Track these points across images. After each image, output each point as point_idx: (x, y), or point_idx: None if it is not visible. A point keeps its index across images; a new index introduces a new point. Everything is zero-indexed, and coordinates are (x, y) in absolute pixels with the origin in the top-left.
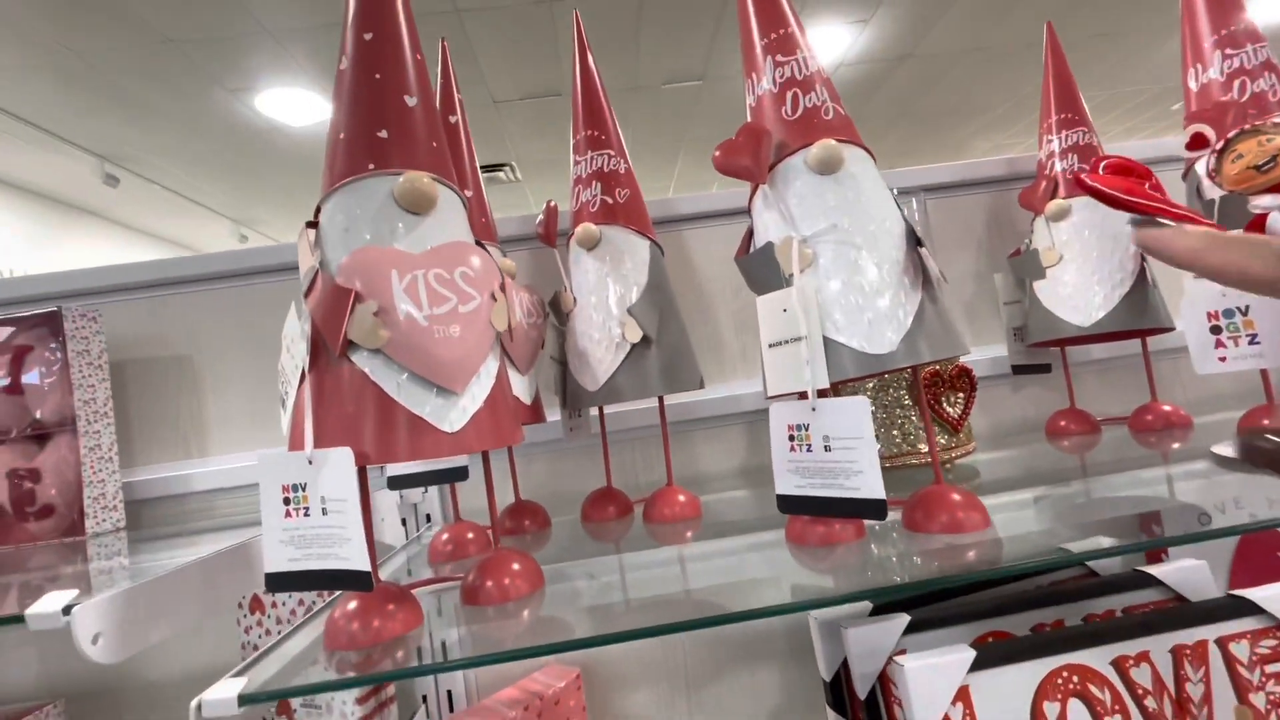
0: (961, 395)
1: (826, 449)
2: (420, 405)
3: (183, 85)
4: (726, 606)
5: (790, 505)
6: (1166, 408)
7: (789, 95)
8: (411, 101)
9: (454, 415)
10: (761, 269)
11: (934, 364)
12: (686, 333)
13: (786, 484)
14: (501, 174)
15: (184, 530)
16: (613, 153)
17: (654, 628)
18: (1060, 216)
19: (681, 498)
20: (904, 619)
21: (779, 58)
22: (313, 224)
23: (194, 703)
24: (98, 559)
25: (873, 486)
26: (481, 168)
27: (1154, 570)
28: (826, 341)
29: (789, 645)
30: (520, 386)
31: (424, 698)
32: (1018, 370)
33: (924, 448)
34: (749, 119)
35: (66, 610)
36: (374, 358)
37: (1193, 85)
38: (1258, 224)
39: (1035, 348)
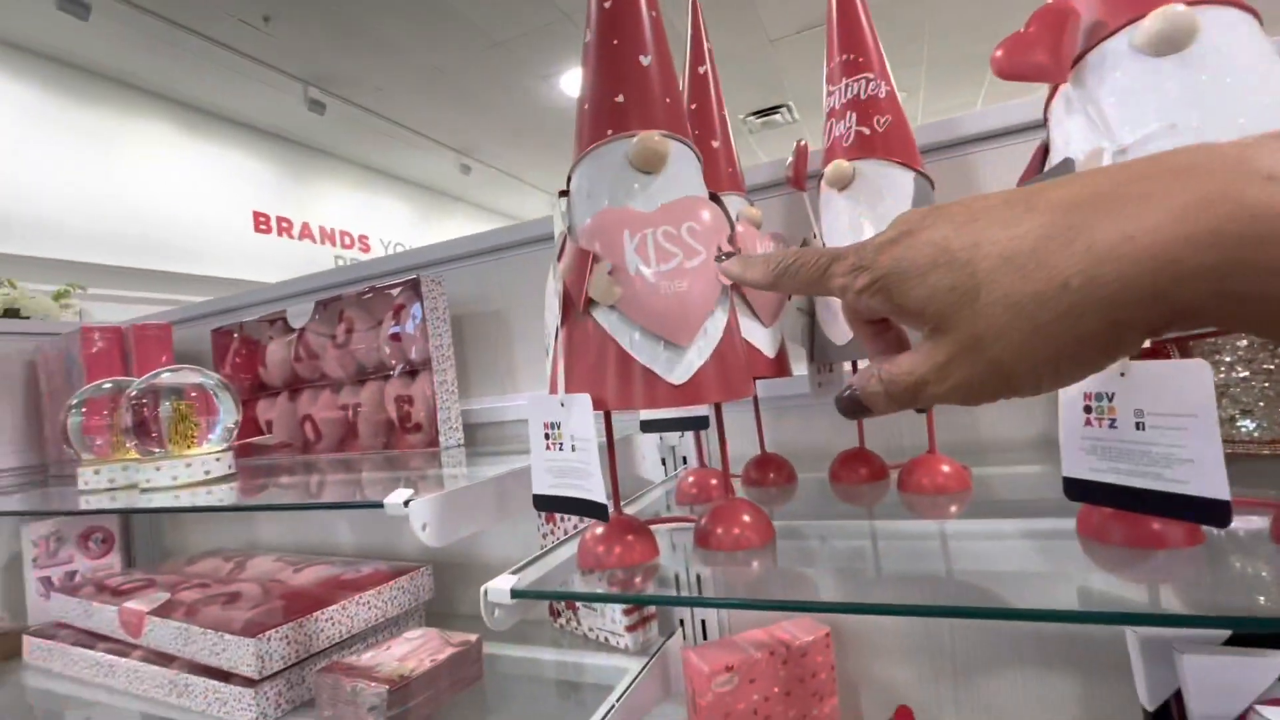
0: None
1: (1139, 426)
2: (650, 358)
3: (509, 80)
4: (1002, 598)
5: (1083, 492)
6: None
7: None
8: (646, 60)
9: (680, 369)
10: None
11: None
12: None
13: (1078, 465)
14: (778, 116)
15: (503, 450)
16: (872, 75)
17: (906, 606)
18: None
19: (946, 468)
20: None
21: None
22: (564, 192)
23: (482, 589)
24: (447, 465)
25: (1211, 480)
26: (757, 112)
27: None
28: None
29: (1093, 653)
30: (763, 338)
31: (680, 621)
32: None
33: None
34: None
35: (406, 503)
36: (611, 313)
37: None
38: None
39: None
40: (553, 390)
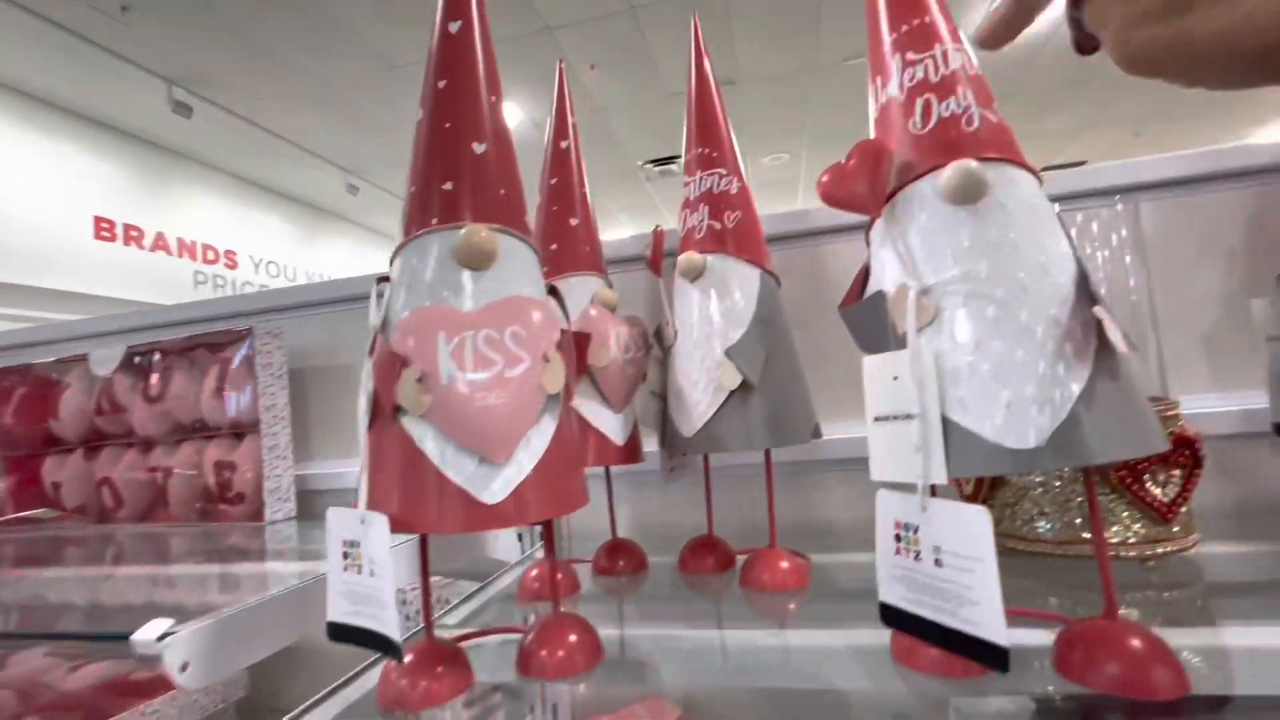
0: (1178, 473)
1: (938, 563)
2: (462, 474)
3: (406, 105)
4: None
5: (894, 619)
6: None
7: (919, 103)
8: (480, 148)
9: (495, 485)
10: (869, 324)
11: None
12: (800, 376)
13: (891, 592)
14: (674, 165)
15: None
16: (725, 172)
17: None
18: None
19: (784, 563)
20: None
21: (910, 55)
22: (385, 279)
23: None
24: (270, 543)
25: (991, 625)
26: (654, 161)
27: None
28: (947, 424)
29: None
30: (612, 425)
31: None
32: None
33: (1116, 534)
34: (871, 133)
35: (162, 638)
36: (421, 422)
37: None
38: None
39: None
40: (359, 502)
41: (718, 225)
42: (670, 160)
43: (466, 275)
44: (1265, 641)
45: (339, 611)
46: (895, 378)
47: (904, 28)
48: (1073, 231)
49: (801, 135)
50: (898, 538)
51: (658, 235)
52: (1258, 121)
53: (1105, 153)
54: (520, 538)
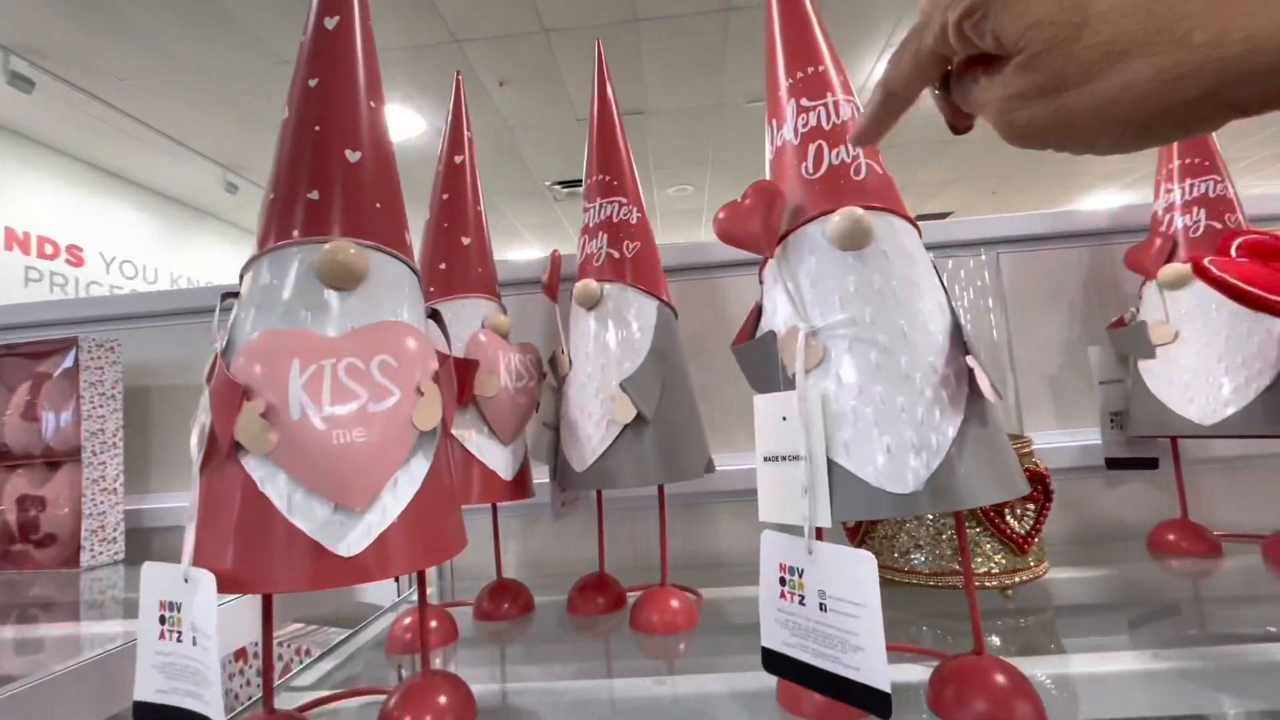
0: (1032, 507)
1: (822, 607)
2: (311, 523)
3: None
4: None
5: (776, 666)
6: None
7: (812, 148)
8: (354, 156)
9: (353, 536)
10: (760, 362)
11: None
12: (694, 409)
13: (774, 638)
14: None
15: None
16: (625, 200)
17: None
18: (1179, 284)
19: (675, 602)
20: None
21: (804, 101)
22: (232, 295)
23: None
24: (86, 594)
25: (874, 670)
26: (561, 183)
27: None
28: (832, 467)
29: None
30: (500, 459)
31: None
32: (1113, 464)
33: (982, 565)
34: (767, 173)
35: None
36: (265, 463)
37: None
38: None
39: (1138, 440)
40: (184, 556)
41: (616, 254)
42: (579, 183)
43: (330, 295)
44: (1110, 667)
45: (149, 689)
46: (784, 418)
47: (799, 75)
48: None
49: (705, 168)
50: (782, 580)
51: (554, 259)
52: (1087, 189)
53: (968, 205)
54: (396, 579)
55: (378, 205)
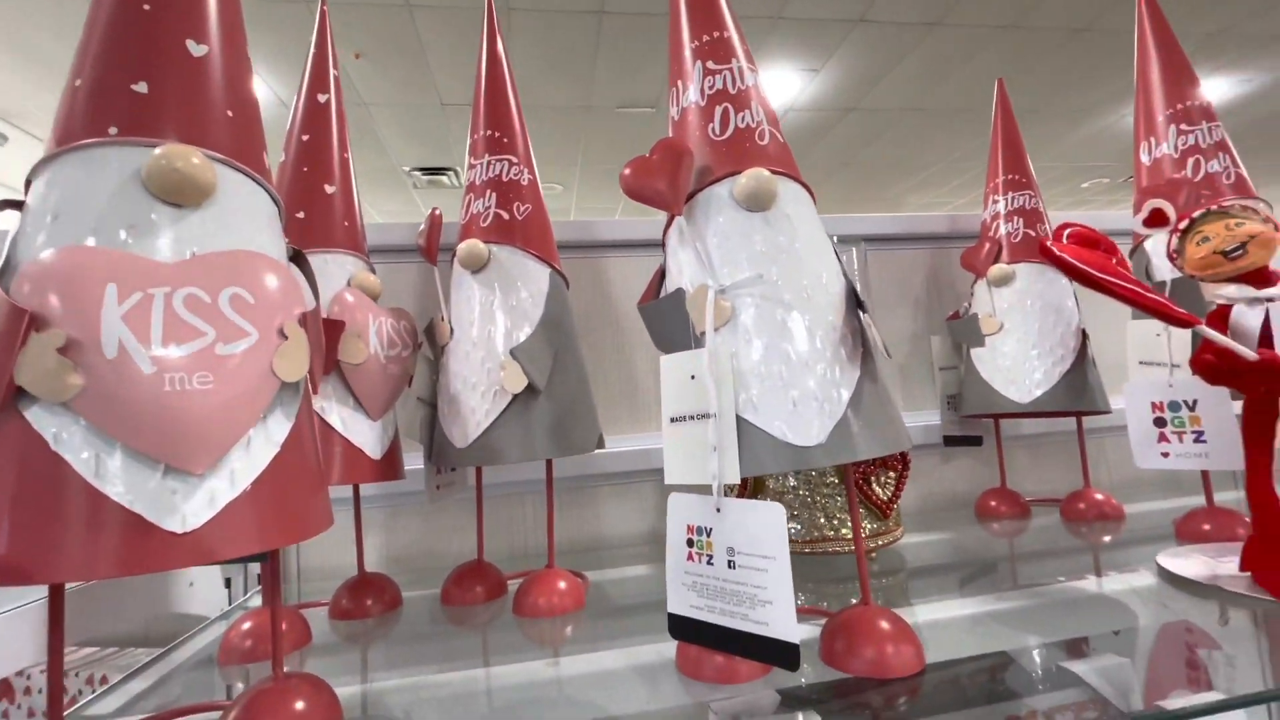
0: (893, 475)
1: (730, 564)
2: (130, 490)
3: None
4: None
5: (683, 630)
6: (1099, 496)
7: (719, 111)
8: (199, 50)
9: (191, 506)
10: (668, 321)
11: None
12: (586, 382)
13: (680, 602)
14: (445, 178)
15: None
16: (515, 160)
17: None
18: (1003, 282)
19: (562, 584)
20: None
21: (710, 64)
22: (13, 204)
23: None
24: None
25: (783, 623)
26: (422, 169)
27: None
28: (740, 423)
29: None
30: (368, 435)
31: None
32: (949, 441)
33: (848, 532)
34: (670, 134)
35: None
36: (60, 415)
37: (1145, 159)
38: (1219, 316)
39: (968, 419)
40: None
41: (506, 215)
42: (442, 171)
43: (163, 212)
44: (948, 614)
45: None
46: (693, 376)
47: (705, 38)
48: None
49: (575, 169)
50: (690, 543)
51: (434, 219)
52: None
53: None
54: (229, 583)
55: (229, 113)
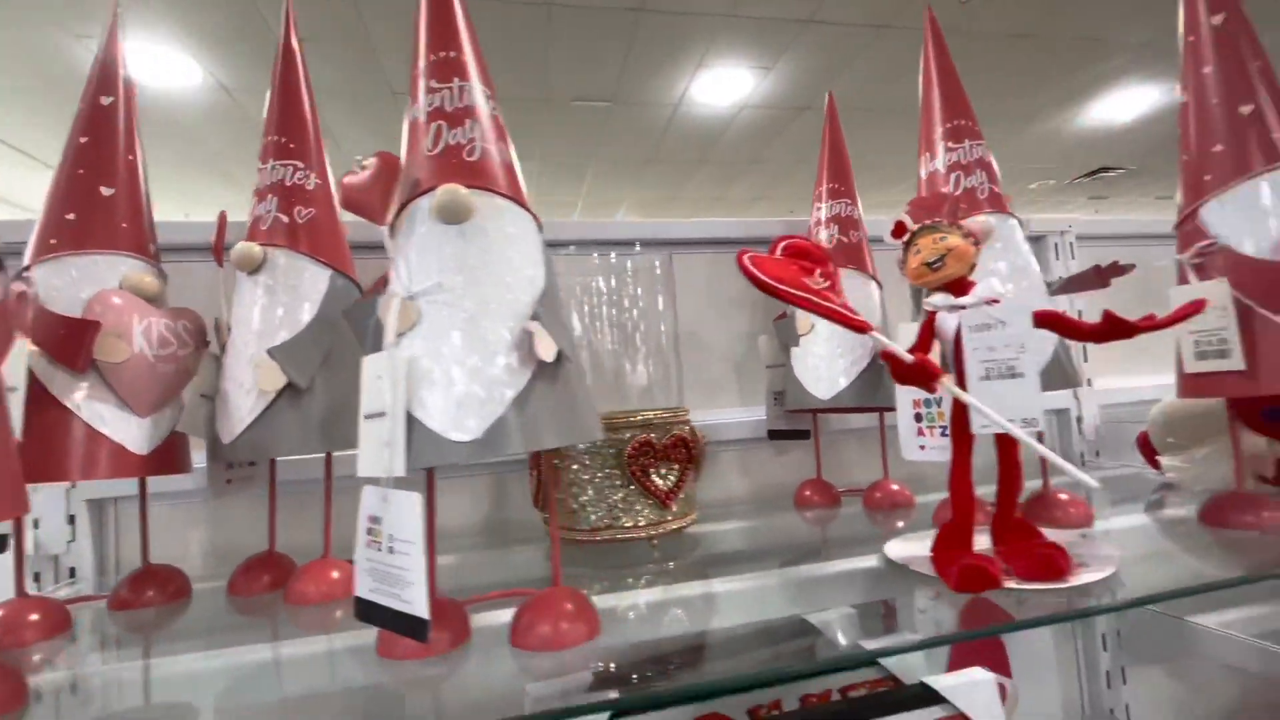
0: (676, 468)
1: (390, 550)
2: None
3: (26, 36)
4: None
5: (366, 612)
6: (895, 486)
7: (433, 127)
8: None
9: None
10: (362, 325)
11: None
12: None
13: (364, 586)
14: None
15: None
16: (301, 165)
17: None
18: None
19: (335, 573)
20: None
21: (433, 83)
22: None
23: None
24: None
25: (416, 603)
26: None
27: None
28: (412, 421)
29: None
30: (131, 431)
31: None
32: (774, 435)
33: (629, 522)
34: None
35: None
36: None
37: (923, 173)
38: (929, 321)
39: (792, 413)
40: None
41: (286, 219)
42: None
43: None
44: (732, 587)
45: None
46: (379, 377)
47: (433, 57)
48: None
49: (532, 161)
50: (370, 531)
51: (220, 220)
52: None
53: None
54: (37, 577)
55: None
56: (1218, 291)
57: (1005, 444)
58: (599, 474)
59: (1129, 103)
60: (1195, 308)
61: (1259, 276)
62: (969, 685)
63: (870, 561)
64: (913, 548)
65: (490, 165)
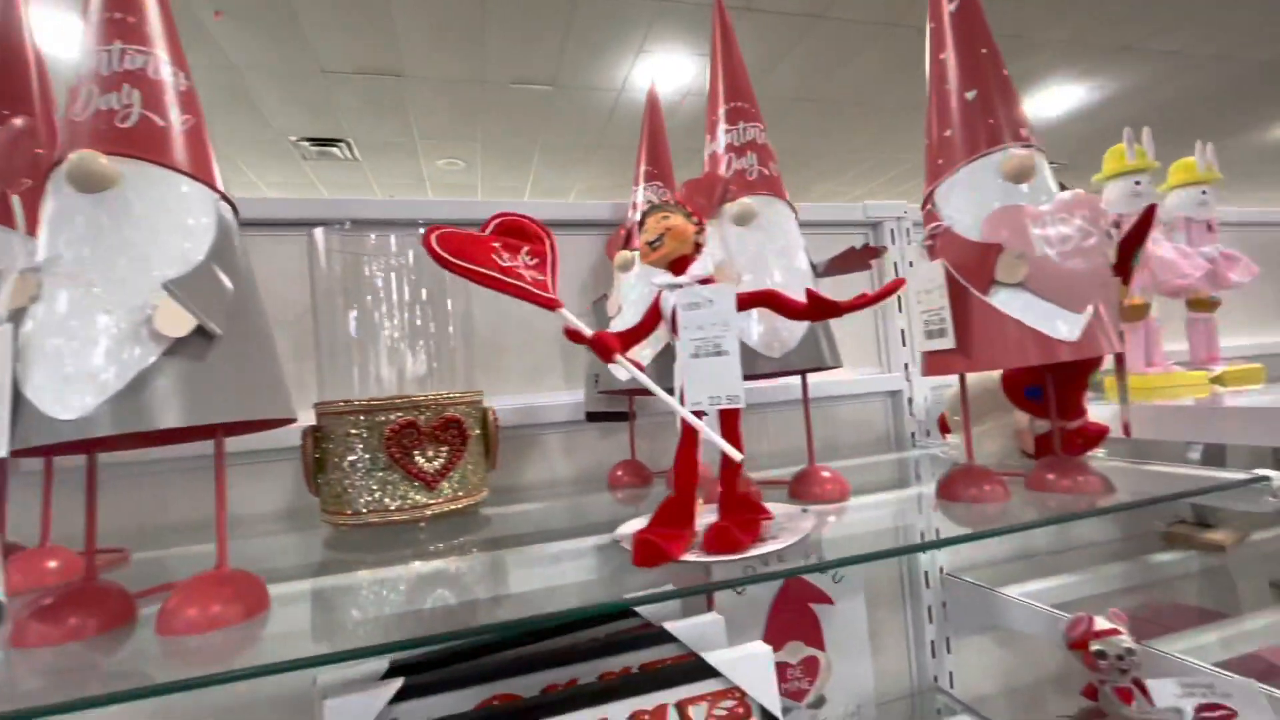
0: (445, 450)
1: None
2: None
3: None
4: None
5: None
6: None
7: (83, 91)
8: None
9: None
10: None
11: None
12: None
13: None
14: (336, 150)
15: None
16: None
17: None
18: (626, 267)
19: (54, 563)
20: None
21: (97, 44)
22: None
23: None
24: None
25: None
26: (311, 140)
27: (670, 627)
28: (20, 399)
29: None
30: None
31: None
32: (591, 417)
33: (393, 504)
34: None
35: None
36: None
37: (706, 155)
38: (656, 300)
39: (608, 395)
40: None
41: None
42: (333, 143)
43: None
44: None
45: None
46: None
47: (104, 16)
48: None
49: (475, 145)
50: None
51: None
52: None
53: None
54: None
55: None
56: (935, 272)
57: (727, 421)
58: (363, 457)
59: (1056, 99)
60: (895, 286)
61: (969, 256)
62: (745, 658)
63: (603, 539)
64: (635, 525)
65: (152, 133)
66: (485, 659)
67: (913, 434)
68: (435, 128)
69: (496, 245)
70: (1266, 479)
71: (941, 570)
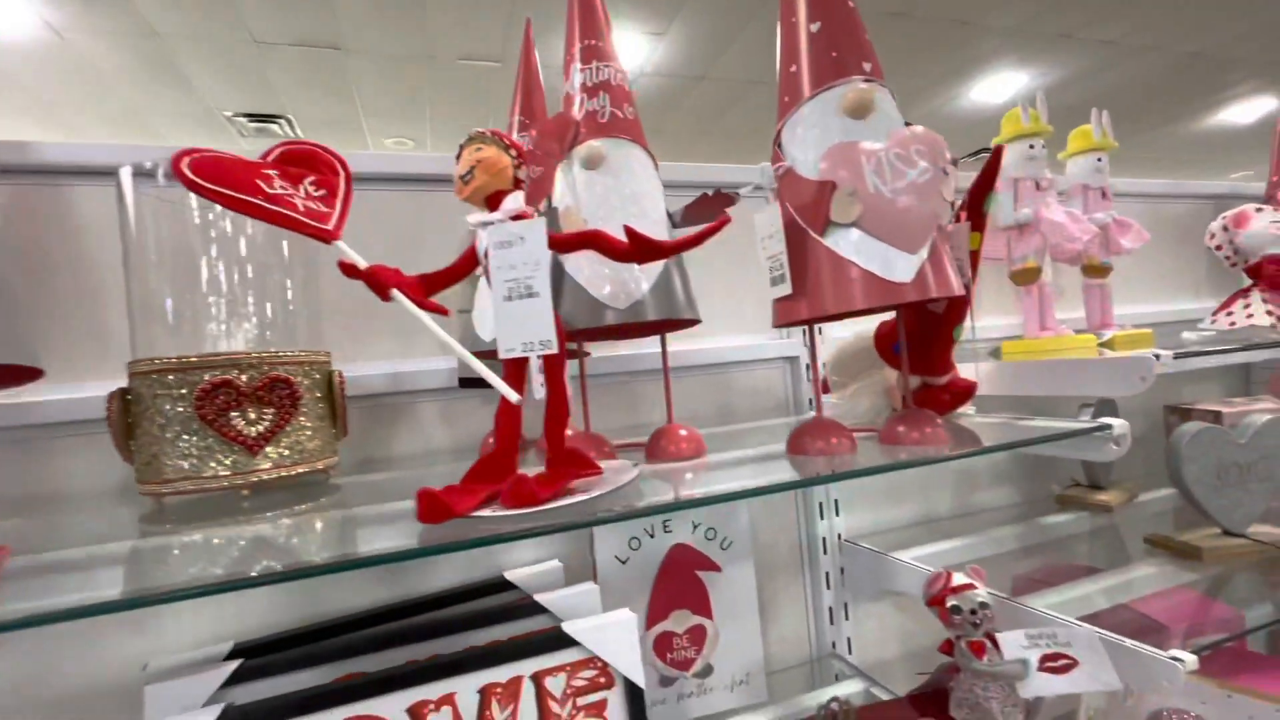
0: (270, 412)
1: None
2: None
3: None
4: None
5: None
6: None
7: None
8: None
9: None
10: None
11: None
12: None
13: None
14: (275, 127)
15: None
16: None
17: None
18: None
19: None
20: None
21: None
22: None
23: None
24: None
25: None
26: (251, 116)
27: (509, 575)
28: None
29: None
30: None
31: None
32: (464, 384)
33: (208, 470)
34: None
35: None
36: None
37: (560, 94)
38: (474, 243)
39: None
40: None
41: None
42: (272, 119)
43: None
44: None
45: None
46: None
47: None
48: None
49: (424, 123)
50: None
51: None
52: None
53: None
54: None
55: None
56: (773, 216)
57: (551, 371)
58: (173, 420)
59: (1002, 86)
60: (717, 226)
61: (804, 195)
62: (605, 625)
63: None
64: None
65: None
66: (338, 638)
67: (810, 399)
68: (381, 105)
69: (271, 173)
70: (1108, 427)
71: (840, 537)
